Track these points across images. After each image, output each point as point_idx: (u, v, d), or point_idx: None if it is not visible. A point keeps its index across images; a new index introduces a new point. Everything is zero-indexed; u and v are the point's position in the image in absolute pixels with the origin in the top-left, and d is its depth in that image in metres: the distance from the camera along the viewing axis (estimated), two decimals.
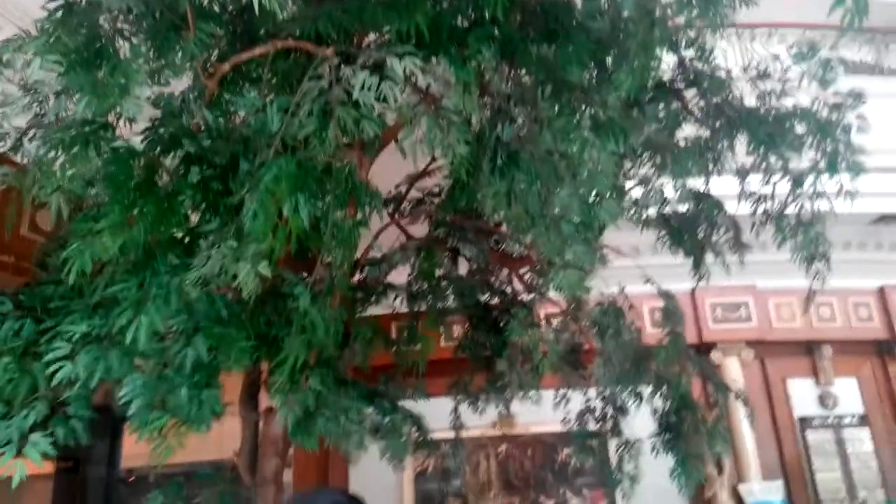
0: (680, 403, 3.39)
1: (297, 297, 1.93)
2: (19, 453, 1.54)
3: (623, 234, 3.62)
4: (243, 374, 2.85)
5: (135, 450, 8.84)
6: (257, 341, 2.24)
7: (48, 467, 8.28)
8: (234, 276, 1.53)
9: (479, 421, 6.43)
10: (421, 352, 2.68)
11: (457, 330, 4.43)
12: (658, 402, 3.62)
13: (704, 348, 7.96)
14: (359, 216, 1.74)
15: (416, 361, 3.39)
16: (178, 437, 1.66)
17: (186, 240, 1.63)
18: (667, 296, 3.02)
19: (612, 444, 3.71)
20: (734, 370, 8.38)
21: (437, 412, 3.82)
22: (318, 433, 2.57)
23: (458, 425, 4.34)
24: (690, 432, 3.34)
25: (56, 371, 1.57)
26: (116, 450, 8.30)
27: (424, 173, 3.64)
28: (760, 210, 2.68)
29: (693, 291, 7.68)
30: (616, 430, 3.64)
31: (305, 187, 1.41)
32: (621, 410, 3.66)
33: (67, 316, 1.63)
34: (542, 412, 9.93)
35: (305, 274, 2.11)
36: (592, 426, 3.65)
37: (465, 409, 4.52)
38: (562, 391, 4.11)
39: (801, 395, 9.55)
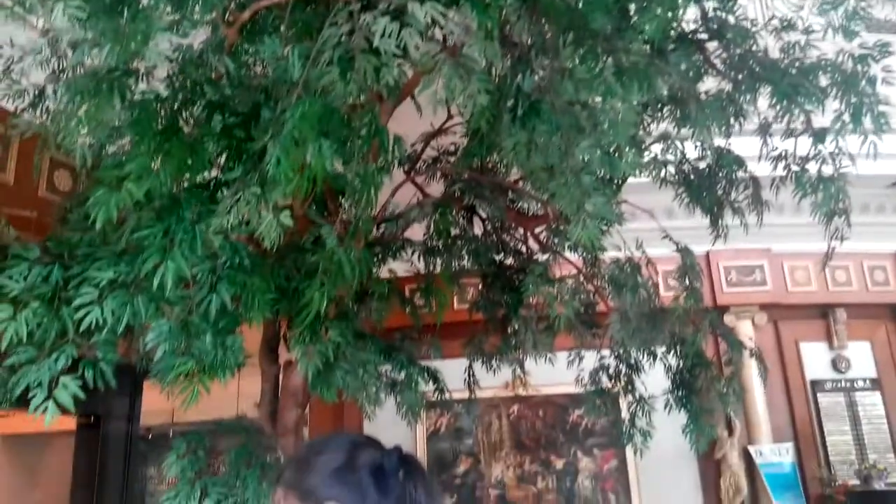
0: (694, 361, 3.41)
1: (323, 238, 1.94)
2: (49, 396, 1.58)
3: (639, 196, 3.60)
4: (263, 328, 2.89)
5: (154, 408, 9.02)
6: (277, 294, 2.27)
7: (69, 424, 8.47)
8: (256, 227, 1.54)
9: (493, 381, 6.50)
10: (438, 306, 2.69)
11: (471, 292, 4.45)
12: (672, 360, 3.65)
13: (718, 312, 7.93)
14: (381, 162, 1.74)
15: (432, 322, 3.43)
16: (204, 381, 1.69)
17: (211, 186, 1.65)
18: (685, 252, 3.02)
19: (625, 402, 3.74)
20: (747, 333, 8.37)
21: (450, 374, 3.87)
22: (336, 385, 2.62)
23: (472, 382, 4.38)
24: (704, 389, 3.37)
25: (84, 316, 1.60)
26: (136, 407, 8.48)
27: (440, 131, 3.63)
28: (781, 166, 2.65)
29: (707, 255, 7.65)
30: (629, 388, 3.67)
31: (330, 129, 1.41)
32: (635, 368, 3.69)
33: (94, 262, 1.65)
34: (554, 374, 9.99)
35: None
36: (606, 383, 3.68)
37: (478, 369, 4.55)
38: (575, 350, 4.15)
39: (814, 358, 9.56)
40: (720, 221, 3.04)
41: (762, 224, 3.21)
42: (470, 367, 4.49)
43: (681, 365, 3.46)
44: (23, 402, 1.82)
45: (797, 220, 9.19)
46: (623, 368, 3.75)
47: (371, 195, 1.71)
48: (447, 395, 3.65)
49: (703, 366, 3.33)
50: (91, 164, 1.74)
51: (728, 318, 8.68)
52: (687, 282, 2.92)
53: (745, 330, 8.27)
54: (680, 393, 3.48)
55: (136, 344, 1.82)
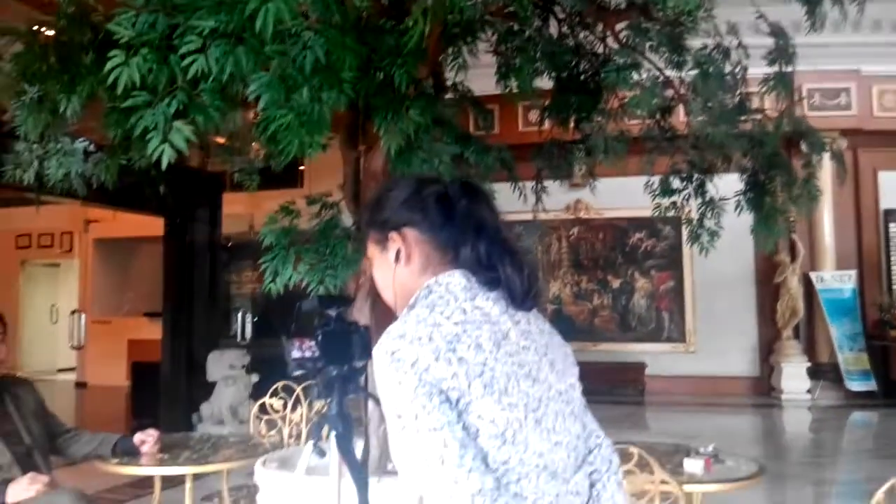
0: (770, 161, 3.37)
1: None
2: (164, 140, 1.71)
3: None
4: (345, 115, 2.96)
5: (232, 216, 9.53)
6: (359, 73, 2.31)
7: (156, 230, 9.07)
8: None
9: (555, 204, 6.54)
10: (519, 85, 2.66)
11: (537, 115, 4.33)
12: (747, 162, 3.61)
13: (796, 136, 7.63)
14: None
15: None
16: (302, 135, 1.79)
17: None
18: (779, 32, 2.87)
19: (695, 204, 3.76)
20: (824, 160, 8.10)
21: (510, 196, 3.88)
22: (416, 167, 2.72)
23: (539, 189, 4.40)
24: (778, 189, 3.35)
25: (190, 64, 1.68)
26: (217, 216, 8.97)
27: None
28: None
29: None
30: (700, 190, 3.68)
31: None
32: (708, 171, 3.67)
33: (195, 12, 1.71)
34: (616, 198, 10.04)
35: None
36: (678, 185, 3.69)
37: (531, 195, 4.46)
38: (646, 157, 4.12)
39: (891, 187, 9.28)
40: (817, 9, 2.84)
41: (848, 46, 3.01)
42: (538, 175, 4.48)
43: (756, 166, 3.42)
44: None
45: (891, 38, 8.51)
46: (695, 173, 3.74)
47: None
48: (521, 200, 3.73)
49: (779, 167, 3.29)
50: None
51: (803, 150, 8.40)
52: (778, 67, 2.81)
53: (823, 156, 7.98)
54: (751, 195, 3.48)
55: (240, 94, 1.91)
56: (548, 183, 4.39)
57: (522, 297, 1.20)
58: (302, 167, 10.24)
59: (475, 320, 1.13)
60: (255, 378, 7.54)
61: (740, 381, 9.61)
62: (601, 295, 10.38)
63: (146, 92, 1.73)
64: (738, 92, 3.01)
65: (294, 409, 3.66)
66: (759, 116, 3.30)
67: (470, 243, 1.21)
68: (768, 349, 9.49)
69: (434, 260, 1.23)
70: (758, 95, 3.30)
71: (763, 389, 9.44)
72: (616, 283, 10.38)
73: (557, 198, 8.50)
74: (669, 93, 3.68)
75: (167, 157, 1.71)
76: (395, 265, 1.25)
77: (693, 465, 2.63)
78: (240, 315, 9.59)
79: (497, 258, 1.21)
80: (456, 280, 1.19)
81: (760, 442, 7.43)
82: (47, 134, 2.76)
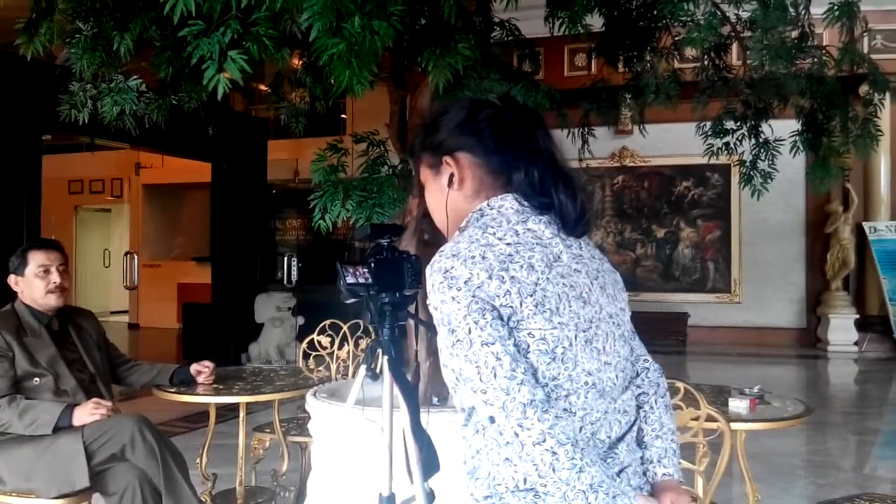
0: (829, 100, 3.25)
1: None
2: (220, 70, 1.73)
3: None
4: (391, 54, 2.94)
5: (276, 163, 9.62)
6: (406, 6, 2.28)
7: (204, 176, 9.21)
8: None
9: (599, 151, 6.42)
10: (569, 18, 2.59)
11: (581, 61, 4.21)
12: (804, 102, 3.49)
13: (853, 81, 7.34)
14: None
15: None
16: (354, 67, 1.79)
17: None
18: None
19: (748, 145, 3.66)
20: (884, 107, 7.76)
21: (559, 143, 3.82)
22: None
23: (587, 133, 4.32)
24: (836, 130, 3.24)
25: None
26: (262, 162, 9.07)
27: None
28: None
29: None
30: (754, 131, 3.57)
31: None
32: (763, 111, 3.56)
33: None
34: (663, 145, 9.82)
35: None
36: (731, 126, 3.59)
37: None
38: (699, 97, 4.01)
39: None
40: None
41: None
42: (585, 118, 4.40)
43: (814, 106, 3.30)
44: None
45: None
46: (750, 113, 3.63)
47: None
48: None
49: (838, 106, 3.17)
50: None
51: (863, 89, 8.07)
52: None
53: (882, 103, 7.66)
54: (809, 135, 3.37)
55: (289, 30, 1.91)
56: (594, 129, 4.31)
57: (575, 223, 1.20)
58: (343, 115, 10.25)
59: (527, 242, 1.13)
60: (300, 320, 7.74)
61: (785, 333, 9.50)
62: (644, 244, 10.27)
63: (201, 21, 1.74)
64: (798, 24, 2.89)
65: (341, 346, 3.75)
66: (819, 53, 3.17)
67: (524, 168, 1.21)
68: (816, 300, 9.32)
69: (487, 184, 1.23)
70: (818, 32, 3.16)
71: (809, 341, 9.32)
72: (660, 233, 10.24)
73: (602, 145, 8.36)
74: (725, 30, 3.56)
75: (222, 87, 1.73)
76: (448, 189, 1.26)
77: (738, 405, 2.63)
78: (285, 259, 9.79)
79: (551, 183, 1.20)
80: (508, 203, 1.19)
81: (804, 392, 7.36)
82: (101, 73, 2.81)
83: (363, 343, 3.76)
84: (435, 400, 2.64)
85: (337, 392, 2.81)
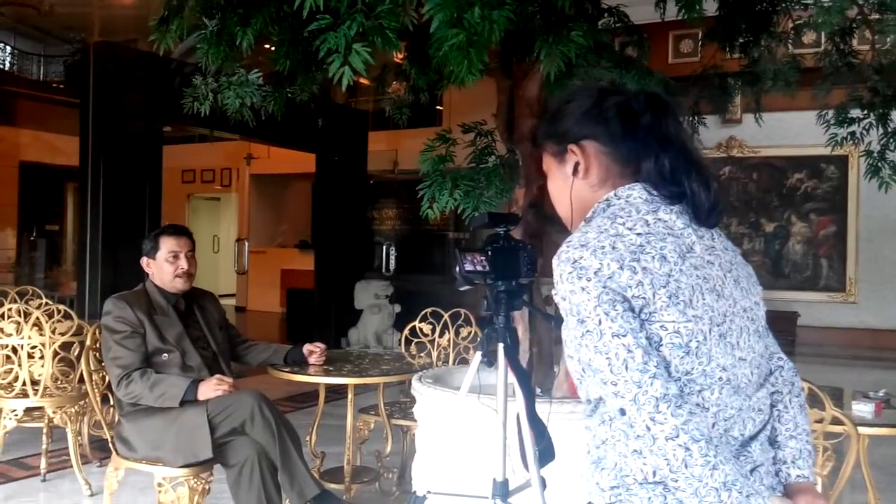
0: None
1: None
2: (344, 63, 1.78)
3: None
4: (500, 45, 2.95)
5: (375, 154, 9.83)
6: None
7: (307, 167, 9.53)
8: None
9: (705, 141, 6.19)
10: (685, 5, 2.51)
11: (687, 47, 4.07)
12: None
13: None
14: None
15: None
16: (473, 56, 1.81)
17: None
18: None
19: (876, 135, 3.44)
20: None
21: None
22: None
23: (695, 123, 4.18)
24: None
25: None
26: (363, 153, 9.30)
27: None
28: None
29: None
30: (883, 120, 3.35)
31: None
32: (893, 99, 3.33)
33: None
34: (774, 135, 9.35)
35: None
36: (857, 114, 3.38)
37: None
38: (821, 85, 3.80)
39: None
40: None
41: None
42: (695, 106, 4.26)
43: None
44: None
45: None
46: (878, 100, 3.41)
47: None
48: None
49: None
50: None
51: None
52: None
53: None
54: None
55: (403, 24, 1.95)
56: (704, 118, 4.17)
57: (708, 213, 1.16)
58: (438, 107, 10.33)
59: (658, 232, 1.10)
60: (397, 308, 7.89)
61: None
62: (752, 239, 9.83)
63: (328, 15, 1.81)
64: None
65: (442, 334, 3.81)
66: None
67: (653, 156, 1.17)
68: None
69: (614, 173, 1.20)
70: None
71: None
72: (769, 227, 9.77)
73: (708, 135, 8.06)
74: (852, 12, 3.35)
75: (347, 78, 1.79)
76: (573, 178, 1.24)
77: (862, 409, 2.50)
78: (384, 249, 10.00)
79: (683, 172, 1.16)
80: (637, 193, 1.16)
81: None
82: (223, 67, 2.96)
83: (463, 332, 3.81)
84: (538, 391, 2.64)
85: (440, 378, 2.86)
